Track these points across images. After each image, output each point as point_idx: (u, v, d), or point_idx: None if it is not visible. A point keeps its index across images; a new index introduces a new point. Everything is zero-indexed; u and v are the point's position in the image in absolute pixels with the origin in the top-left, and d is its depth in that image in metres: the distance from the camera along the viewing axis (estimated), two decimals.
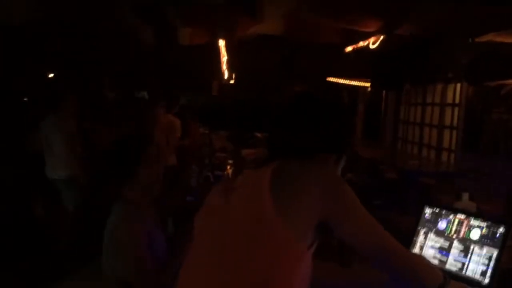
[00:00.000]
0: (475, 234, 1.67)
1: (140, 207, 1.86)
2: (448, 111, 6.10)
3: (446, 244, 1.73)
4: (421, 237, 1.81)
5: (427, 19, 3.87)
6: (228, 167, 6.55)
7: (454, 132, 5.93)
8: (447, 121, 6.12)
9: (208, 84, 8.91)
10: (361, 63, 6.66)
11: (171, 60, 7.21)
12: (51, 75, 6.84)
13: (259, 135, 10.15)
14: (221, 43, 5.30)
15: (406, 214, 4.00)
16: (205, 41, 5.70)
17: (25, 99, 6.27)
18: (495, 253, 1.60)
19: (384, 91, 7.84)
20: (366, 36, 5.06)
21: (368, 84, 7.50)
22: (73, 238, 4.74)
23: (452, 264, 1.69)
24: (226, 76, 6.26)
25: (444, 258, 1.72)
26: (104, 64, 7.29)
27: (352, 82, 7.71)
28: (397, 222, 2.64)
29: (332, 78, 7.66)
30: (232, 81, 9.53)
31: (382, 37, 4.66)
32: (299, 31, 5.57)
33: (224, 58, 5.69)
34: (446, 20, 3.82)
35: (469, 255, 1.66)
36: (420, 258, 1.45)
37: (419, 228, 1.84)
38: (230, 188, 1.24)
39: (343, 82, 7.78)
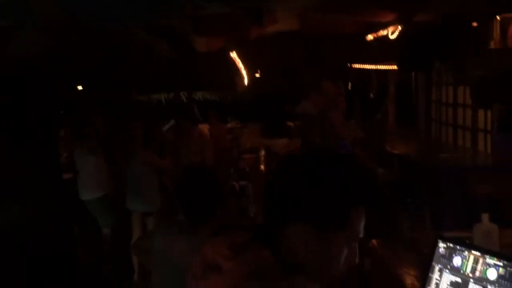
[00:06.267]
0: (491, 274, 1.57)
1: None
2: None
3: (462, 284, 1.64)
4: (436, 274, 1.73)
5: (443, 6, 3.66)
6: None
7: (489, 111, 5.63)
8: None
9: (233, 81, 8.87)
10: (385, 47, 6.43)
11: (191, 66, 7.20)
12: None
13: (291, 124, 10.07)
14: (233, 54, 5.23)
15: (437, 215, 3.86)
16: (221, 46, 5.65)
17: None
18: None
19: (413, 72, 7.54)
20: (384, 25, 4.87)
21: (395, 67, 7.25)
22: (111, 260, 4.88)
23: None
24: (246, 80, 6.19)
25: None
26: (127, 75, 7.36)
27: (378, 66, 7.47)
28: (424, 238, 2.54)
29: (358, 65, 7.45)
30: (257, 75, 9.46)
31: (400, 27, 4.45)
32: (315, 26, 5.43)
33: (239, 64, 5.62)
34: (463, 5, 3.60)
35: None
36: None
37: (434, 264, 1.75)
38: None
39: (370, 68, 7.55)
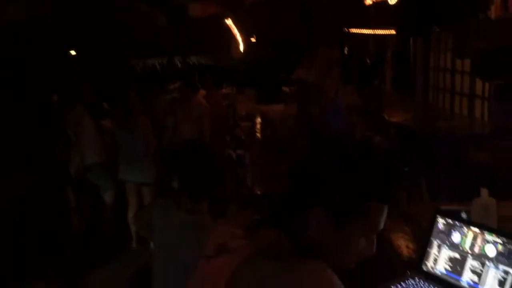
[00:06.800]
0: (490, 251, 1.58)
1: None
2: None
3: (460, 259, 1.65)
4: (435, 249, 1.74)
5: None
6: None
7: None
8: None
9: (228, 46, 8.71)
10: (384, 11, 6.31)
11: (185, 31, 7.04)
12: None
13: (286, 89, 9.98)
14: (228, 21, 5.09)
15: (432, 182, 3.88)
16: (216, 11, 5.52)
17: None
18: (511, 275, 1.50)
19: (411, 38, 7.42)
20: None
21: (393, 32, 7.13)
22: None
23: (466, 282, 1.61)
24: (241, 46, 6.06)
25: (458, 274, 1.64)
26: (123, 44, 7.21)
27: (376, 31, 7.34)
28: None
29: (355, 30, 7.31)
30: (253, 39, 9.28)
31: None
32: None
33: (235, 30, 5.49)
34: None
35: (484, 273, 1.57)
36: None
37: (432, 239, 1.76)
38: None
39: (367, 33, 7.42)
